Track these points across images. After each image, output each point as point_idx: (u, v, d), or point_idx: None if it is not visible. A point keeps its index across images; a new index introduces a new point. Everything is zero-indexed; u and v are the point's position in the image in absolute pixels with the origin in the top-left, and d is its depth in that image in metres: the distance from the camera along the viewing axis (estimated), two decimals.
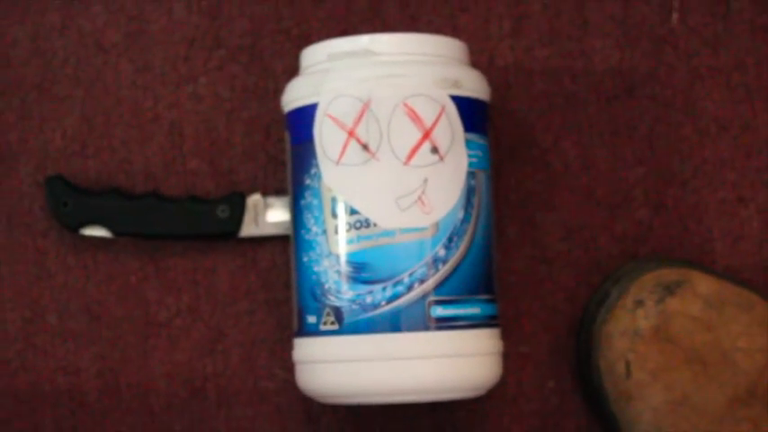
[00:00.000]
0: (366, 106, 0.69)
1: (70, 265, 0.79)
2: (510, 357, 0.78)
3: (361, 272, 0.69)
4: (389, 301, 0.68)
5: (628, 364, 0.75)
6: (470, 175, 0.71)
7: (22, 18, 0.80)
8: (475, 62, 0.78)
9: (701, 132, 0.80)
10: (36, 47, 0.80)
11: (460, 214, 0.70)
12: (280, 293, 0.79)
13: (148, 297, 0.79)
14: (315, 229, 0.71)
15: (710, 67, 0.80)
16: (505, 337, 0.77)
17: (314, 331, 0.70)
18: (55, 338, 0.79)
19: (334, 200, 0.70)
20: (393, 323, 0.68)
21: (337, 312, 0.69)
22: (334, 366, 0.70)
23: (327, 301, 0.70)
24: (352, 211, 0.69)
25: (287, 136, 0.73)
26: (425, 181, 0.69)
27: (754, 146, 0.80)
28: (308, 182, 0.71)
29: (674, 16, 0.80)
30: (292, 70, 0.78)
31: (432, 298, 0.69)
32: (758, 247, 0.79)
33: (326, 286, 0.70)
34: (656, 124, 0.80)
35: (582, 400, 0.79)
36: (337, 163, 0.69)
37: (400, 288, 0.69)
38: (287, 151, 0.73)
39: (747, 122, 0.80)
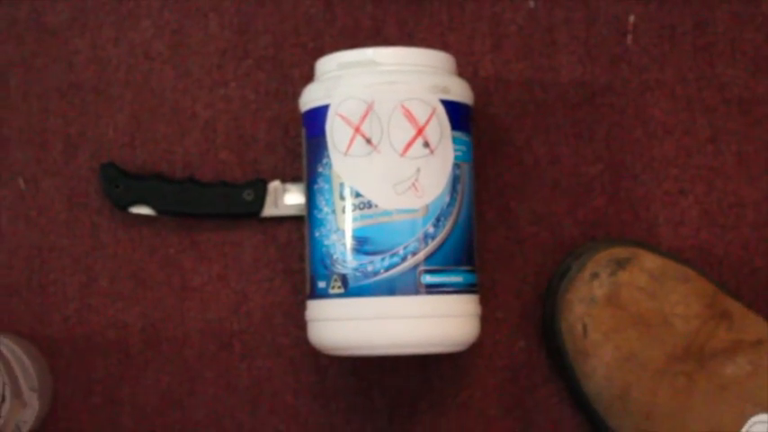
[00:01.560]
0: (370, 107, 0.70)
1: (120, 238, 0.80)
2: (487, 320, 0.78)
3: (363, 245, 0.70)
4: (387, 269, 0.70)
5: (585, 326, 0.75)
6: (456, 166, 0.72)
7: (83, 32, 0.81)
8: (461, 72, 0.78)
9: (650, 135, 0.80)
10: (94, 55, 0.81)
11: (447, 198, 0.71)
12: (295, 264, 0.80)
13: (185, 266, 0.80)
14: (325, 209, 0.72)
15: (658, 81, 0.81)
16: (483, 303, 0.76)
17: (324, 294, 0.72)
18: (106, 299, 0.80)
19: (341, 185, 0.71)
20: (390, 288, 0.70)
21: (343, 279, 0.71)
22: (340, 324, 0.71)
23: (335, 270, 0.71)
24: (357, 195, 0.70)
25: (303, 131, 0.74)
26: (418, 170, 0.70)
27: (694, 147, 0.81)
28: (320, 170, 0.72)
29: (629, 37, 0.81)
30: (308, 77, 0.78)
31: (422, 267, 0.70)
32: (696, 232, 0.80)
33: (335, 257, 0.71)
34: (612, 128, 0.81)
35: (546, 356, 0.79)
36: (345, 154, 0.71)
37: (396, 259, 0.70)
38: (303, 144, 0.74)
39: (688, 127, 0.80)
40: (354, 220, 0.71)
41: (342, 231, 0.71)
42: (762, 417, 0.70)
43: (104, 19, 0.81)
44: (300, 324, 0.78)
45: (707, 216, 0.80)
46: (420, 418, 0.80)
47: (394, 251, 0.70)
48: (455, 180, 0.72)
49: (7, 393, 0.69)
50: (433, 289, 0.71)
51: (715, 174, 0.81)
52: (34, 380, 0.76)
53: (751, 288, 0.81)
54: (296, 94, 0.78)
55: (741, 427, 0.70)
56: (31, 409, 0.76)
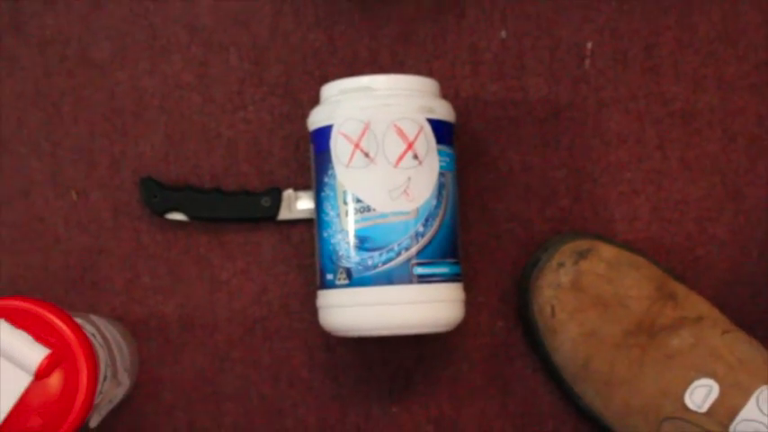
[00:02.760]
0: (367, 126, 0.71)
1: (158, 241, 0.81)
2: (470, 304, 0.79)
3: (364, 243, 0.71)
4: (384, 263, 0.71)
5: (552, 308, 0.76)
6: (441, 174, 0.73)
7: (122, 65, 0.82)
8: (444, 94, 0.80)
9: (606, 144, 0.81)
10: (132, 85, 0.81)
11: (434, 202, 0.72)
12: (307, 259, 0.81)
13: (213, 263, 0.80)
14: (331, 212, 0.73)
15: (612, 98, 0.81)
16: (467, 289, 0.78)
17: (331, 285, 0.73)
18: (147, 293, 0.80)
19: (345, 192, 0.72)
20: (387, 279, 0.71)
21: (348, 271, 0.72)
22: (346, 309, 0.72)
23: (341, 264, 0.72)
24: (358, 200, 0.72)
25: (311, 147, 0.75)
26: (409, 179, 0.71)
27: (644, 154, 0.81)
28: (326, 180, 0.73)
29: (587, 62, 0.81)
30: (314, 101, 0.80)
31: (414, 261, 0.71)
32: (647, 226, 0.81)
33: (340, 253, 0.72)
34: (574, 138, 0.81)
35: (521, 334, 0.80)
36: (347, 166, 0.72)
37: (392, 254, 0.71)
38: (311, 158, 0.75)
39: (638, 137, 0.81)
40: (356, 221, 0.72)
41: (346, 231, 0.72)
42: (702, 381, 0.71)
43: (141, 54, 0.81)
44: (312, 310, 0.79)
45: (656, 212, 0.81)
46: (415, 388, 0.80)
47: (390, 247, 0.71)
48: (441, 186, 0.73)
49: (108, 373, 0.69)
50: (423, 279, 0.72)
51: (662, 176, 0.81)
52: (127, 360, 0.76)
53: (693, 273, 0.81)
54: (304, 116, 0.80)
55: (685, 389, 0.71)
56: (122, 387, 0.76)
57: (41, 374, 0.63)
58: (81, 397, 0.63)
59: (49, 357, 0.63)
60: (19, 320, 0.64)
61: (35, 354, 0.63)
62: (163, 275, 0.81)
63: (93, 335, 0.68)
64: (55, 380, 0.63)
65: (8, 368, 0.63)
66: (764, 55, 0.81)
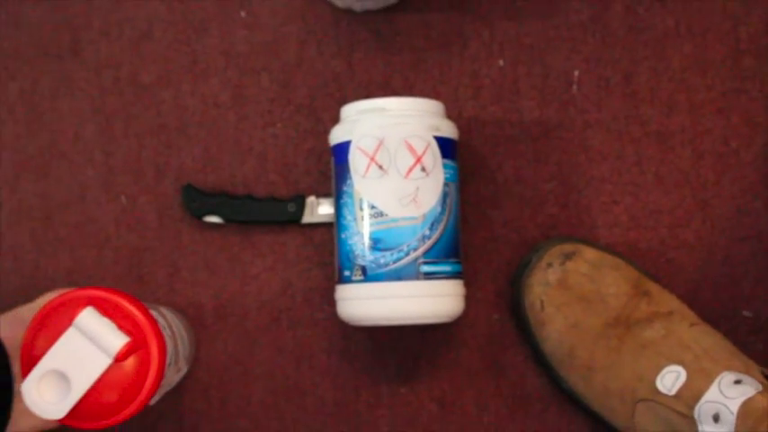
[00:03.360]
0: (381, 142, 0.72)
1: (196, 240, 0.81)
2: (469, 299, 0.79)
3: (377, 243, 0.72)
4: (395, 261, 0.72)
5: (542, 303, 0.76)
6: (445, 185, 0.73)
7: (167, 86, 0.82)
8: (449, 115, 0.80)
9: (590, 160, 0.81)
10: (175, 104, 0.82)
11: (439, 209, 0.73)
12: (327, 258, 0.81)
13: (245, 260, 0.81)
14: (349, 217, 0.73)
15: (597, 120, 0.81)
16: (467, 285, 0.78)
17: (348, 280, 0.73)
18: (186, 285, 0.81)
19: (361, 200, 0.73)
20: (397, 275, 0.72)
21: (363, 269, 0.72)
22: (361, 302, 0.73)
23: (357, 262, 0.73)
24: (372, 207, 0.72)
25: (332, 160, 0.75)
26: (417, 188, 0.72)
27: (623, 168, 0.81)
28: (345, 188, 0.74)
29: (574, 87, 0.81)
30: (335, 119, 0.80)
31: (421, 260, 0.72)
32: (625, 232, 0.81)
33: (356, 252, 0.73)
34: (562, 155, 0.81)
35: (514, 325, 0.80)
36: (363, 177, 0.73)
37: (401, 254, 0.72)
38: (332, 169, 0.76)
39: (619, 154, 0.81)
40: (370, 225, 0.72)
41: (361, 234, 0.73)
42: (671, 367, 0.71)
43: (183, 77, 0.82)
44: (331, 303, 0.80)
45: (633, 220, 0.81)
46: (420, 371, 0.81)
47: (400, 248, 0.72)
48: (445, 195, 0.73)
49: (172, 360, 0.69)
50: (429, 276, 0.72)
51: (639, 188, 0.81)
52: (187, 349, 0.76)
53: (666, 273, 0.81)
54: (326, 133, 0.79)
55: (657, 375, 0.71)
56: (180, 373, 0.76)
57: (119, 359, 0.63)
58: (150, 380, 0.64)
59: (127, 345, 0.63)
60: (105, 309, 0.64)
61: (117, 341, 0.63)
62: (200, 270, 0.81)
63: (164, 327, 0.68)
64: (130, 363, 0.64)
65: (92, 350, 0.63)
66: (729, 83, 0.81)
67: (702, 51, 0.82)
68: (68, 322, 0.63)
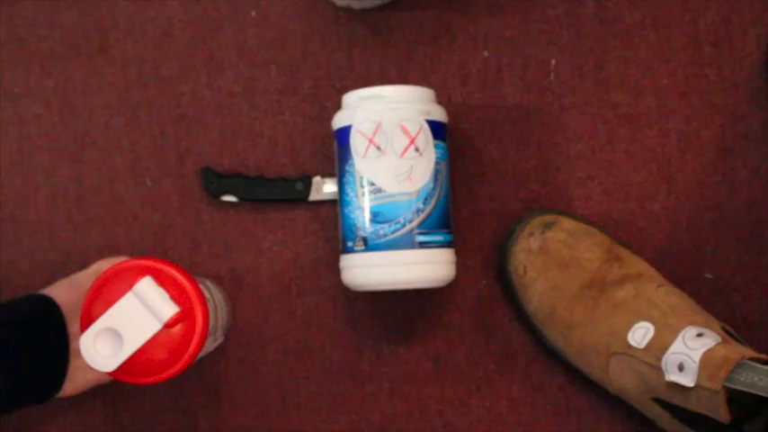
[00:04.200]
0: (379, 126, 0.72)
1: (215, 217, 0.81)
2: (460, 265, 0.79)
3: (376, 217, 0.72)
4: (393, 232, 0.72)
5: (525, 268, 0.77)
6: (437, 163, 0.73)
7: (186, 79, 0.81)
8: (439, 100, 0.80)
9: (567, 140, 0.81)
10: (194, 95, 0.82)
11: (431, 185, 0.73)
12: (331, 231, 0.81)
13: (258, 235, 0.81)
14: (351, 193, 0.73)
15: (572, 104, 0.81)
16: (458, 253, 0.78)
17: (351, 250, 0.74)
18: (206, 258, 0.81)
19: (361, 177, 0.73)
20: (395, 245, 0.72)
21: (364, 239, 0.73)
22: (363, 270, 0.73)
23: (358, 234, 0.73)
24: (371, 184, 0.72)
25: (335, 143, 0.75)
26: (412, 167, 0.72)
27: (597, 147, 0.81)
28: (347, 168, 0.74)
29: (551, 75, 0.81)
30: (337, 106, 0.79)
31: (416, 231, 0.72)
32: (599, 204, 0.80)
33: (358, 225, 0.73)
34: (542, 136, 0.81)
35: (500, 289, 0.80)
36: (363, 157, 0.72)
37: (398, 225, 0.72)
38: (335, 151, 0.75)
39: (592, 134, 0.81)
40: (370, 200, 0.72)
41: (362, 208, 0.73)
42: (641, 323, 0.71)
43: (200, 70, 0.82)
44: (336, 271, 0.79)
45: (606, 193, 0.81)
46: (417, 332, 0.81)
47: (397, 220, 0.72)
48: (437, 173, 0.73)
49: (213, 331, 0.69)
50: (423, 245, 0.72)
51: (611, 165, 0.81)
52: (225, 320, 0.76)
53: (635, 240, 0.80)
54: (329, 118, 0.79)
55: (628, 330, 0.72)
56: (217, 342, 0.76)
57: (168, 325, 0.64)
58: (192, 348, 0.65)
59: (177, 315, 0.64)
60: (161, 279, 0.65)
61: (168, 309, 0.64)
62: (218, 244, 0.81)
63: (209, 300, 0.68)
64: (176, 330, 0.65)
65: (146, 315, 0.63)
66: (690, 69, 0.81)
67: (666, 41, 0.81)
68: (127, 288, 0.64)
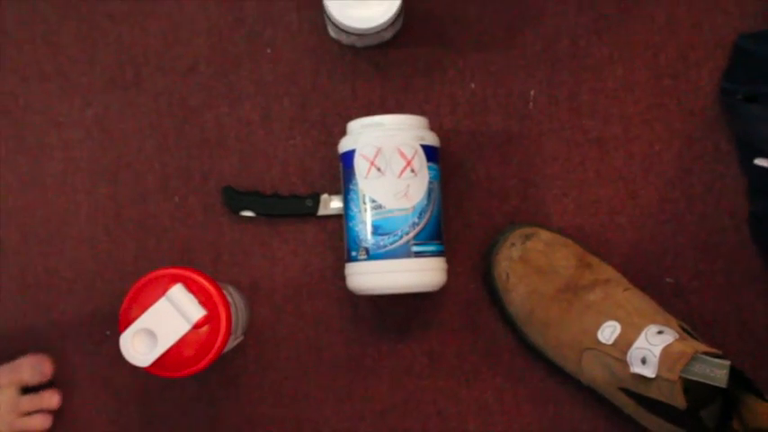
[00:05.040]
0: (379, 150, 0.72)
1: (234, 230, 0.80)
2: (451, 272, 0.78)
3: (377, 230, 0.72)
4: (391, 243, 0.72)
5: (507, 275, 0.76)
6: (430, 182, 0.73)
7: (210, 108, 0.81)
8: (432, 127, 0.79)
9: (544, 161, 0.80)
10: (217, 123, 0.81)
11: (425, 201, 0.73)
12: (338, 242, 0.80)
13: (273, 245, 0.80)
14: (355, 209, 0.73)
15: (549, 129, 0.80)
16: (448, 262, 0.77)
17: (355, 259, 0.73)
18: (227, 266, 0.80)
19: (364, 195, 0.72)
20: (393, 254, 0.72)
21: (366, 250, 0.72)
22: (365, 276, 0.73)
23: (361, 244, 0.73)
24: (373, 201, 0.72)
25: (340, 165, 0.75)
26: (408, 186, 0.72)
27: (570, 168, 0.80)
28: (351, 187, 0.74)
29: (531, 104, 0.80)
30: (343, 132, 0.79)
31: (412, 242, 0.72)
32: (573, 217, 0.80)
33: (361, 237, 0.73)
34: (522, 157, 0.80)
35: (486, 293, 0.79)
36: (366, 177, 0.72)
37: (396, 237, 0.72)
38: (341, 172, 0.75)
39: (567, 156, 0.80)
40: (372, 215, 0.72)
41: (365, 222, 0.73)
42: (609, 322, 0.71)
43: (222, 101, 0.81)
44: (342, 278, 0.79)
45: (579, 209, 0.80)
46: (413, 330, 0.80)
47: (395, 233, 0.72)
48: (430, 191, 0.73)
49: (234, 330, 0.69)
50: (418, 254, 0.72)
51: (583, 183, 0.80)
52: (245, 321, 0.76)
53: (605, 249, 0.80)
54: (335, 143, 0.79)
55: (598, 328, 0.71)
56: (237, 340, 0.76)
57: (197, 326, 0.65)
58: (217, 346, 0.66)
59: (204, 317, 0.65)
60: (190, 286, 0.66)
61: (197, 312, 0.65)
62: (238, 254, 0.80)
63: (231, 304, 0.68)
64: (203, 330, 0.66)
65: (177, 317, 0.65)
66: (652, 99, 0.80)
67: (631, 75, 0.81)
68: (161, 293, 0.65)
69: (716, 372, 0.64)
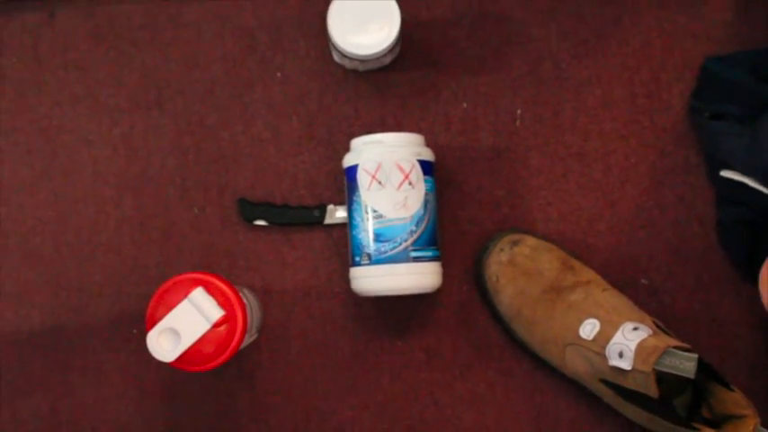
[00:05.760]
0: (380, 165, 0.73)
1: (249, 238, 0.80)
2: (446, 275, 0.79)
3: (378, 237, 0.73)
4: (391, 249, 0.72)
5: (497, 276, 0.76)
6: (426, 194, 0.74)
7: (225, 127, 0.81)
8: (428, 143, 0.79)
9: (530, 174, 0.80)
10: (232, 140, 0.81)
11: (422, 211, 0.73)
12: (343, 249, 0.80)
13: (284, 251, 0.80)
14: (358, 219, 0.74)
15: (534, 145, 0.80)
16: (443, 265, 0.77)
17: (359, 264, 0.74)
18: (242, 271, 0.80)
19: (366, 206, 0.73)
20: (393, 259, 0.72)
21: (369, 255, 0.73)
22: (368, 279, 0.74)
23: (364, 251, 0.73)
24: (374, 211, 0.73)
25: (345, 178, 0.75)
26: (406, 197, 0.73)
27: (554, 180, 0.80)
28: (355, 198, 0.74)
29: (517, 122, 0.81)
30: (346, 149, 0.79)
31: (410, 248, 0.73)
32: (557, 225, 0.80)
33: (364, 244, 0.73)
34: (510, 171, 0.80)
35: (478, 294, 0.80)
36: (368, 189, 0.73)
37: (396, 244, 0.73)
38: (345, 185, 0.76)
39: (550, 169, 0.80)
40: (373, 224, 0.73)
41: (367, 230, 0.73)
42: (590, 320, 0.71)
43: (236, 120, 0.81)
44: (347, 281, 0.78)
45: (562, 217, 0.80)
46: (411, 329, 0.80)
47: (395, 240, 0.73)
48: (426, 201, 0.74)
49: (249, 329, 0.69)
50: (416, 259, 0.73)
51: (565, 194, 0.81)
52: (258, 321, 0.76)
53: (586, 253, 0.80)
54: (340, 159, 0.79)
55: (579, 326, 0.71)
56: (252, 338, 0.76)
57: (216, 325, 0.66)
58: (234, 343, 0.67)
59: (222, 317, 0.66)
60: (210, 288, 0.67)
61: (216, 313, 0.66)
62: (252, 260, 0.80)
63: (246, 305, 0.69)
64: (222, 329, 0.66)
65: (198, 317, 0.66)
66: (628, 116, 0.81)
67: (608, 94, 0.81)
68: (183, 296, 0.66)
69: (685, 364, 0.64)
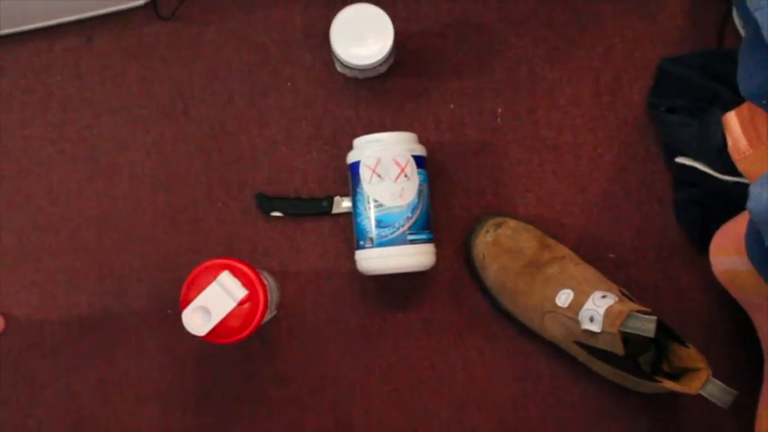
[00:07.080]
0: (379, 160, 0.74)
1: (267, 227, 0.82)
2: (439, 255, 0.79)
3: (379, 223, 0.74)
4: (391, 234, 0.74)
5: (483, 255, 0.77)
6: (420, 184, 0.76)
7: (243, 132, 0.81)
8: (421, 141, 0.79)
9: (511, 165, 0.81)
10: (250, 143, 0.81)
11: (417, 200, 0.75)
12: (348, 234, 0.81)
13: (297, 239, 0.82)
14: (361, 208, 0.76)
15: (513, 139, 0.81)
16: (437, 246, 0.78)
17: (363, 247, 0.76)
18: (260, 256, 0.81)
19: (368, 196, 0.75)
20: (393, 242, 0.74)
21: (371, 239, 0.75)
22: (371, 260, 0.76)
23: (368, 235, 0.75)
24: (375, 200, 0.75)
25: (349, 173, 0.77)
26: (403, 188, 0.75)
27: (532, 171, 0.81)
28: (358, 190, 0.76)
29: (499, 119, 0.82)
30: (350, 147, 0.79)
31: (407, 232, 0.74)
32: (534, 209, 0.81)
33: (367, 229, 0.75)
34: (493, 164, 0.81)
35: (467, 271, 0.80)
36: (369, 182, 0.75)
37: (394, 229, 0.74)
38: (349, 179, 0.77)
39: (528, 160, 0.81)
40: (375, 212, 0.75)
41: (369, 218, 0.75)
42: (565, 290, 0.73)
43: (253, 125, 0.82)
44: (353, 262, 0.80)
45: (540, 202, 0.81)
46: (410, 302, 0.81)
47: (393, 225, 0.75)
48: (420, 191, 0.76)
49: (269, 307, 0.70)
50: (413, 241, 0.75)
51: (542, 182, 0.82)
52: (276, 300, 0.77)
53: (561, 233, 0.81)
54: (344, 156, 0.80)
55: (556, 295, 0.73)
56: (271, 314, 0.76)
57: (241, 303, 0.68)
58: (257, 318, 0.69)
59: (246, 296, 0.68)
60: (235, 272, 0.69)
61: (240, 293, 0.68)
62: (269, 246, 0.82)
63: (266, 285, 0.71)
64: (246, 307, 0.68)
65: (226, 297, 0.68)
66: (595, 112, 0.82)
67: (577, 93, 0.82)
68: (212, 278, 0.68)
69: (646, 325, 0.66)
